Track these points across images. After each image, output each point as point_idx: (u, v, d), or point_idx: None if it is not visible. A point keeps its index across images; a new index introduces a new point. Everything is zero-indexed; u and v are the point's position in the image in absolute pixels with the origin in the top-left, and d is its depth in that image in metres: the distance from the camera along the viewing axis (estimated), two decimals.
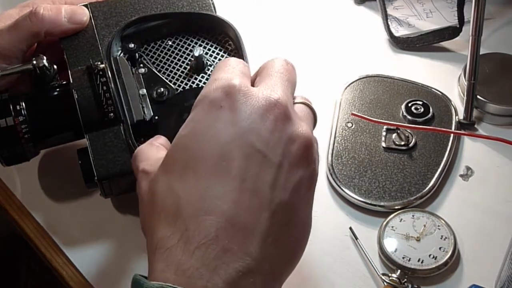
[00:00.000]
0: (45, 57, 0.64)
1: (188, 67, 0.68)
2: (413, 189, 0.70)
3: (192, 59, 0.68)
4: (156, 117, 0.64)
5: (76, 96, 0.63)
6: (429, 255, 0.65)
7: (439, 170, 0.71)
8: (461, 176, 0.73)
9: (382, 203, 0.69)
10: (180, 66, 0.68)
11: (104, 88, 0.64)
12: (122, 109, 0.63)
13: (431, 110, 0.76)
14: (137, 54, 0.67)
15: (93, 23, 0.67)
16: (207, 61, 0.68)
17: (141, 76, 0.66)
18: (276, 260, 0.48)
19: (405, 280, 0.63)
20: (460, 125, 0.76)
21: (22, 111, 0.63)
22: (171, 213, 0.48)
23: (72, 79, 0.64)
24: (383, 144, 0.73)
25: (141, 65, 0.67)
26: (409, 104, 0.76)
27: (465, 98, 0.77)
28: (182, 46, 0.69)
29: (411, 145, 0.73)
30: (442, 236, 0.66)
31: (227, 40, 0.69)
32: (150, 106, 0.64)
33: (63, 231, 0.70)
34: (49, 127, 0.65)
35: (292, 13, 0.90)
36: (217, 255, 0.45)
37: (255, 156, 0.48)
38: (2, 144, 0.63)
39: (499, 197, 0.71)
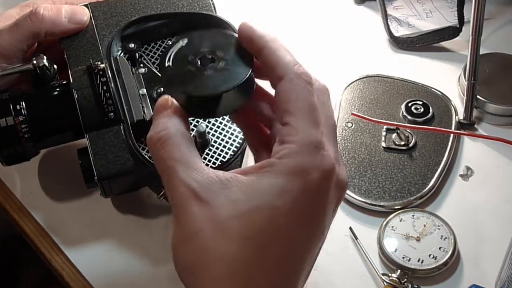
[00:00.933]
0: (45, 57, 0.64)
1: None
2: (413, 189, 0.70)
3: None
4: None
5: (76, 96, 0.63)
6: (429, 255, 0.65)
7: (439, 170, 0.71)
8: (461, 176, 0.73)
9: (382, 203, 0.69)
10: None
11: (104, 88, 0.64)
12: (122, 109, 0.63)
13: (431, 110, 0.76)
14: (137, 54, 0.67)
15: (93, 23, 0.67)
16: None
17: (141, 76, 0.66)
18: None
19: (405, 280, 0.63)
20: (460, 125, 0.76)
21: (22, 110, 0.63)
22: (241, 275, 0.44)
23: (72, 79, 0.64)
24: (383, 144, 0.73)
25: (141, 65, 0.67)
26: (409, 104, 0.76)
27: (465, 98, 0.77)
28: None
29: (411, 145, 0.73)
30: (442, 236, 0.66)
31: None
32: (150, 106, 0.64)
33: (63, 231, 0.70)
34: (49, 126, 0.65)
35: (292, 13, 0.90)
36: None
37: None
38: (2, 144, 0.63)
39: (499, 197, 0.71)
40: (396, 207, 0.69)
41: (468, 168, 0.73)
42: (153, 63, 0.68)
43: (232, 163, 0.64)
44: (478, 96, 0.77)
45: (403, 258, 0.65)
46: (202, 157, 0.64)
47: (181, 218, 0.46)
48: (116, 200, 0.71)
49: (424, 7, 0.90)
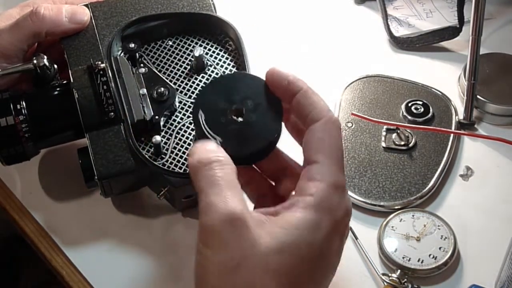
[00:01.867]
0: (45, 57, 0.64)
1: (189, 67, 0.68)
2: (413, 189, 0.70)
3: (192, 59, 0.68)
4: (156, 117, 0.64)
5: (77, 96, 0.63)
6: (429, 255, 0.65)
7: (439, 170, 0.71)
8: (461, 176, 0.73)
9: (382, 203, 0.69)
10: (181, 66, 0.68)
11: (105, 87, 0.64)
12: (122, 108, 0.63)
13: (431, 110, 0.76)
14: (137, 54, 0.67)
15: (94, 23, 0.67)
16: (207, 61, 0.68)
17: (141, 76, 0.66)
18: None
19: (405, 280, 0.63)
20: (460, 125, 0.76)
21: (23, 110, 0.63)
22: None
23: (73, 78, 0.64)
24: (383, 144, 0.73)
25: (142, 65, 0.67)
26: (409, 104, 0.76)
27: (465, 98, 0.77)
28: (183, 46, 0.69)
29: (411, 145, 0.73)
30: (442, 236, 0.66)
31: (227, 40, 0.70)
32: (150, 106, 0.64)
33: (63, 231, 0.69)
34: (50, 126, 0.65)
35: (292, 13, 0.90)
36: None
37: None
38: (3, 143, 0.63)
39: (499, 197, 0.71)
40: (396, 207, 0.69)
41: (468, 168, 0.73)
42: (153, 63, 0.68)
43: None
44: (478, 96, 0.77)
45: (403, 258, 0.65)
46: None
47: (217, 244, 0.46)
48: (116, 200, 0.71)
49: (424, 7, 0.90)
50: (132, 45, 0.67)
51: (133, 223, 0.70)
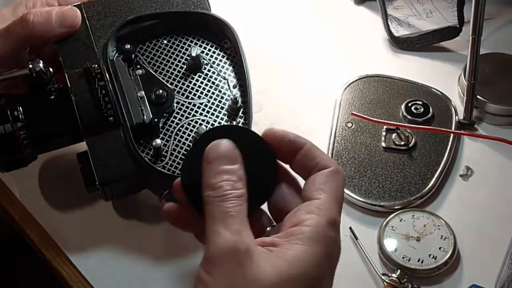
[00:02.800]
0: (41, 61, 0.63)
1: (185, 66, 0.68)
2: (413, 189, 0.70)
3: (189, 58, 0.67)
4: (156, 120, 0.63)
5: (75, 101, 0.62)
6: (429, 255, 0.65)
7: (439, 170, 0.71)
8: (461, 176, 0.73)
9: (382, 203, 0.69)
10: (177, 65, 0.68)
11: (103, 92, 0.63)
12: (121, 112, 0.62)
13: (431, 110, 0.76)
14: (133, 55, 0.67)
15: (88, 23, 0.66)
16: (204, 60, 0.68)
17: (138, 78, 0.65)
18: None
19: (405, 280, 0.63)
20: (460, 125, 0.76)
21: (20, 116, 0.62)
22: None
23: (70, 82, 0.63)
24: (383, 144, 0.73)
25: (138, 66, 0.67)
26: (409, 104, 0.76)
27: (465, 98, 0.77)
28: (178, 45, 0.69)
29: (411, 145, 0.73)
30: (442, 236, 0.66)
31: (223, 38, 0.69)
32: (149, 109, 0.64)
33: (63, 232, 0.69)
34: (48, 132, 0.64)
35: (291, 13, 0.90)
36: None
37: None
38: (1, 151, 0.62)
39: (499, 197, 0.71)
40: (396, 207, 0.69)
41: (468, 168, 0.73)
42: (149, 63, 0.67)
43: None
44: (478, 96, 0.77)
45: (403, 258, 0.65)
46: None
47: (220, 274, 0.46)
48: (116, 202, 0.71)
49: (424, 7, 0.90)
50: (128, 46, 0.66)
51: (133, 225, 0.70)
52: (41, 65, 0.63)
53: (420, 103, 0.76)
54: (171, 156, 0.63)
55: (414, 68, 0.82)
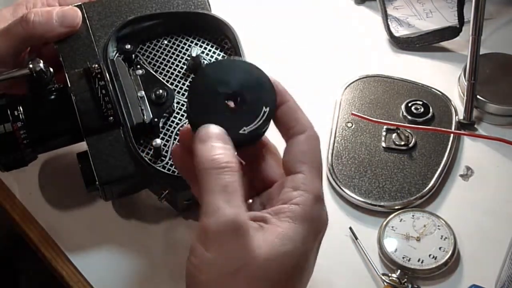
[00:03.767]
0: (41, 61, 0.63)
1: (185, 66, 0.68)
2: (413, 189, 0.70)
3: (189, 58, 0.67)
4: (156, 119, 0.63)
5: (75, 101, 0.63)
6: (429, 255, 0.65)
7: (439, 170, 0.71)
8: (461, 176, 0.73)
9: (382, 203, 0.69)
10: (177, 66, 0.68)
11: (103, 91, 0.63)
12: (121, 112, 0.63)
13: (431, 110, 0.76)
14: (133, 55, 0.67)
15: (88, 24, 0.66)
16: (204, 61, 0.68)
17: (138, 78, 0.65)
18: None
19: (405, 280, 0.64)
20: (460, 125, 0.76)
21: (20, 116, 0.62)
22: None
23: (70, 82, 0.63)
24: (383, 144, 0.73)
25: (138, 66, 0.67)
26: (409, 104, 0.76)
27: (465, 98, 0.77)
28: (178, 46, 0.69)
29: (411, 145, 0.73)
30: (442, 236, 0.66)
31: (223, 38, 0.69)
32: (149, 108, 0.64)
33: (64, 232, 0.69)
34: (48, 132, 0.64)
35: (291, 12, 0.90)
36: None
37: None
38: (1, 151, 0.62)
39: (499, 197, 0.71)
40: (396, 207, 0.69)
41: (468, 168, 0.73)
42: (149, 63, 0.67)
43: None
44: (478, 96, 0.77)
45: (403, 258, 0.65)
46: None
47: (218, 249, 0.47)
48: (116, 202, 0.71)
49: (424, 7, 0.90)
50: (128, 46, 0.66)
51: (133, 224, 0.70)
52: (41, 65, 0.63)
53: (420, 103, 0.76)
54: (171, 156, 0.63)
55: (414, 68, 0.82)
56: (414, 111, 0.76)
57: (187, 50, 0.68)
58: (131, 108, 0.63)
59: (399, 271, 0.64)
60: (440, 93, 0.78)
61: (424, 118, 0.75)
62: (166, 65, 0.67)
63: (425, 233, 0.66)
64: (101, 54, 0.65)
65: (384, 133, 0.74)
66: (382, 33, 0.87)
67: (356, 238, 0.67)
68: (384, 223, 0.67)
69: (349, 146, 0.73)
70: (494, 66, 0.79)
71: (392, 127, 0.74)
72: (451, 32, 0.84)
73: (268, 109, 0.52)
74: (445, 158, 0.72)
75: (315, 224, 0.50)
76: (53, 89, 0.64)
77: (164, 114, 0.65)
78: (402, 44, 0.85)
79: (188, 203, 0.66)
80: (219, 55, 0.68)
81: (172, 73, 0.67)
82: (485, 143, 0.75)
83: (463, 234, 0.67)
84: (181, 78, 0.67)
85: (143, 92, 0.64)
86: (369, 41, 0.87)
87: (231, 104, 0.52)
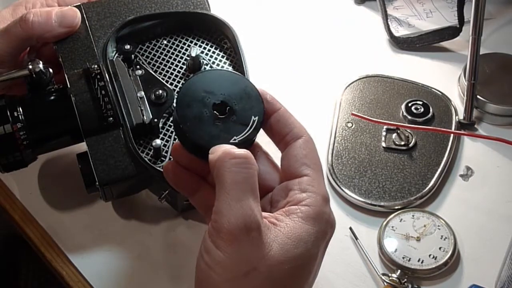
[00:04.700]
0: (41, 62, 0.63)
1: (185, 66, 0.68)
2: (413, 189, 0.70)
3: (188, 58, 0.67)
4: (155, 120, 0.63)
5: (75, 101, 0.62)
6: (429, 255, 0.65)
7: (439, 170, 0.71)
8: (461, 176, 0.73)
9: (382, 203, 0.69)
10: (176, 66, 0.67)
11: (103, 92, 0.63)
12: (121, 113, 0.62)
13: (431, 110, 0.76)
14: (132, 56, 0.67)
15: (87, 24, 0.66)
16: (204, 61, 0.68)
17: (138, 78, 0.65)
18: None
19: (405, 280, 0.64)
20: (460, 125, 0.76)
21: (20, 117, 0.62)
22: None
23: (69, 83, 0.63)
24: (383, 144, 0.73)
25: (137, 66, 0.67)
26: (409, 104, 0.76)
27: (465, 98, 0.77)
28: (178, 46, 0.68)
29: (411, 145, 0.73)
30: (442, 236, 0.66)
31: (222, 38, 0.69)
32: (149, 109, 0.64)
33: (64, 232, 0.69)
34: (48, 133, 0.64)
35: (291, 13, 0.90)
36: None
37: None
38: (1, 152, 0.62)
39: (499, 197, 0.71)
40: (396, 207, 0.69)
41: (468, 168, 0.73)
42: (149, 63, 0.67)
43: None
44: (478, 96, 0.77)
45: (403, 258, 0.65)
46: None
47: (231, 249, 0.47)
48: (116, 202, 0.71)
49: (424, 7, 0.90)
50: (127, 46, 0.66)
51: (133, 224, 0.70)
52: (41, 65, 0.63)
53: (420, 103, 0.76)
54: (171, 157, 0.63)
55: (414, 68, 0.83)
56: (414, 111, 0.76)
57: (186, 50, 0.68)
58: (130, 109, 0.63)
59: (399, 271, 0.64)
60: (440, 93, 0.78)
61: (424, 118, 0.75)
62: (165, 65, 0.67)
63: (425, 233, 0.66)
64: (101, 55, 0.65)
65: (384, 133, 0.74)
66: (382, 33, 0.87)
67: (356, 238, 0.67)
68: (384, 223, 0.67)
69: (349, 146, 0.73)
70: (494, 66, 0.79)
71: (392, 127, 0.74)
72: (451, 32, 0.84)
73: (257, 118, 0.54)
74: (445, 158, 0.72)
75: (324, 225, 0.51)
76: (53, 89, 0.64)
77: (164, 115, 0.64)
78: (402, 44, 0.85)
79: (188, 203, 0.66)
80: (218, 54, 0.68)
81: (172, 73, 0.67)
82: (485, 143, 0.75)
83: (463, 234, 0.67)
84: (180, 78, 0.67)
85: (142, 93, 0.64)
86: (369, 41, 0.87)
87: (220, 115, 0.53)
